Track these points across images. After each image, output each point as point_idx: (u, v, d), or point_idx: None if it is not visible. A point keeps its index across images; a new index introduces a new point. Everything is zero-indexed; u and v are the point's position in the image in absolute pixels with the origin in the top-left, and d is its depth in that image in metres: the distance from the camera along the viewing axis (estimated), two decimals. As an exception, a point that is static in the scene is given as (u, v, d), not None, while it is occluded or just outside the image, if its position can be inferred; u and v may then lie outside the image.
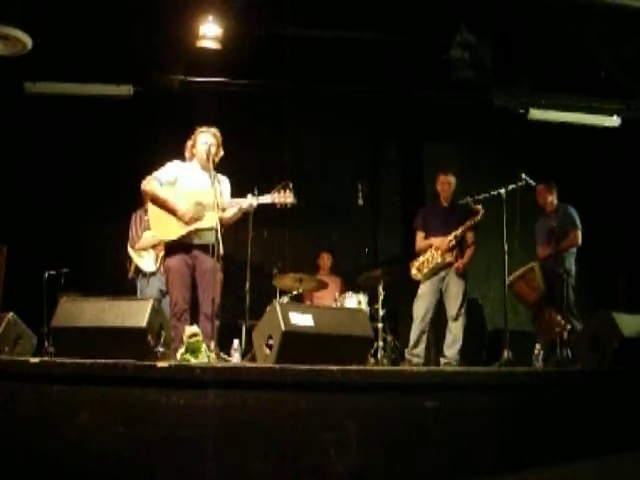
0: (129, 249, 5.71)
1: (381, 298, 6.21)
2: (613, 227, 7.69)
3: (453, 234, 5.82)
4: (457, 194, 6.04)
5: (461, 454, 3.26)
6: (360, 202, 6.94)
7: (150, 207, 4.67)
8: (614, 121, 7.48)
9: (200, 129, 4.76)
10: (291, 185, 4.58)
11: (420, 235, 6.08)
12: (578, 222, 6.00)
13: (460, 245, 5.90)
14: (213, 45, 6.56)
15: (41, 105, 6.90)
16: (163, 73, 7.05)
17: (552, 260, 5.87)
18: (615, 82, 7.23)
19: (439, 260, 5.83)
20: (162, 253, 5.50)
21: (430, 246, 5.91)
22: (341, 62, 7.09)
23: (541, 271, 5.82)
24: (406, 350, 5.90)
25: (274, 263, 6.71)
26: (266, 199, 4.55)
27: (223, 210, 4.51)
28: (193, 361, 3.62)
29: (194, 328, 3.79)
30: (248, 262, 4.89)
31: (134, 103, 6.95)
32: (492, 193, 5.25)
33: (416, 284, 5.99)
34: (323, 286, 6.61)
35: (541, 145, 7.65)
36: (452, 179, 6.06)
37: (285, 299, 6.32)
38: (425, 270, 5.88)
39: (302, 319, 3.59)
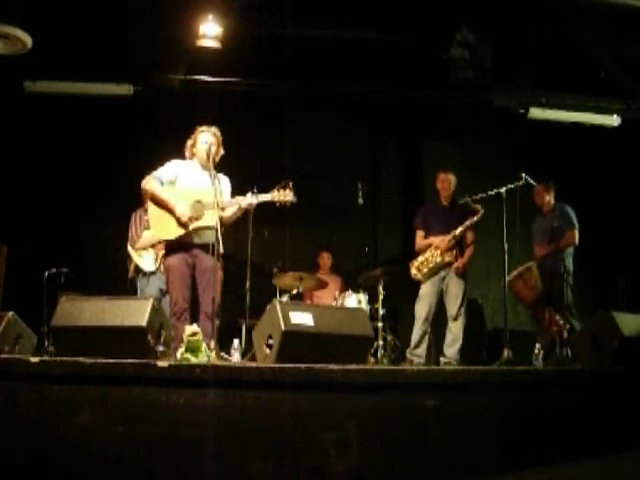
0: (129, 248, 5.71)
1: (381, 297, 6.21)
2: (613, 227, 7.69)
3: (452, 233, 5.82)
4: (457, 194, 6.04)
5: (461, 454, 3.26)
6: (360, 202, 6.94)
7: (150, 206, 4.67)
8: (614, 121, 7.48)
9: (200, 128, 4.76)
10: (291, 184, 4.58)
11: (420, 234, 6.08)
12: (575, 221, 6.00)
13: (460, 245, 5.90)
14: (213, 44, 6.56)
15: (41, 104, 6.89)
16: (163, 72, 7.04)
17: (551, 259, 5.87)
18: (615, 82, 7.23)
19: (438, 260, 5.83)
20: (162, 252, 5.50)
21: (430, 245, 5.92)
22: (341, 62, 7.08)
23: (539, 270, 5.81)
24: (408, 350, 5.90)
25: (274, 262, 6.71)
26: (266, 197, 4.55)
27: (223, 209, 4.51)
28: (193, 360, 3.62)
29: (194, 327, 3.79)
30: (248, 261, 4.88)
31: (134, 102, 6.95)
32: (492, 193, 5.25)
33: (416, 283, 5.99)
34: (323, 285, 6.61)
35: (541, 145, 7.64)
36: (452, 177, 6.06)
37: (285, 298, 6.31)
38: (425, 270, 5.88)
39: (302, 318, 3.59)
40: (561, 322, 5.46)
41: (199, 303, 4.50)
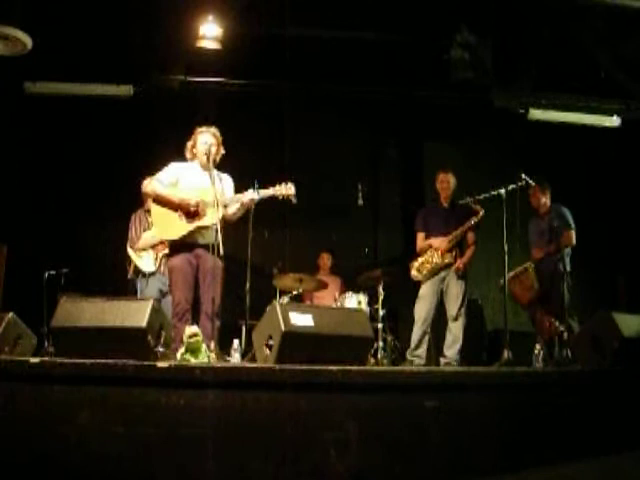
0: (128, 249, 5.70)
1: (381, 298, 6.20)
2: (613, 227, 7.69)
3: (452, 234, 5.83)
4: (457, 194, 6.04)
5: (461, 454, 3.26)
6: (360, 202, 6.95)
7: (153, 207, 4.68)
8: (614, 121, 7.48)
9: (199, 129, 4.77)
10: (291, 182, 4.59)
11: (421, 236, 6.07)
12: (572, 222, 5.98)
13: (460, 246, 5.90)
14: (213, 45, 6.56)
15: (41, 105, 6.90)
16: (163, 73, 7.05)
17: (548, 260, 5.86)
18: (615, 82, 7.23)
19: (438, 261, 5.83)
20: (161, 253, 5.51)
21: (430, 247, 5.92)
22: (341, 62, 7.09)
23: (535, 272, 5.81)
24: (408, 351, 5.90)
25: (274, 263, 6.71)
26: (267, 192, 4.56)
27: (225, 206, 4.53)
28: (193, 361, 3.62)
29: (194, 328, 3.79)
30: (248, 262, 4.88)
31: (134, 103, 6.96)
32: (492, 193, 5.24)
33: (416, 284, 5.99)
34: (323, 286, 6.61)
35: (541, 145, 7.64)
36: (451, 178, 6.05)
37: (285, 299, 6.31)
38: (425, 271, 5.88)
39: (302, 319, 3.59)
40: (556, 324, 5.46)
41: (200, 303, 4.51)
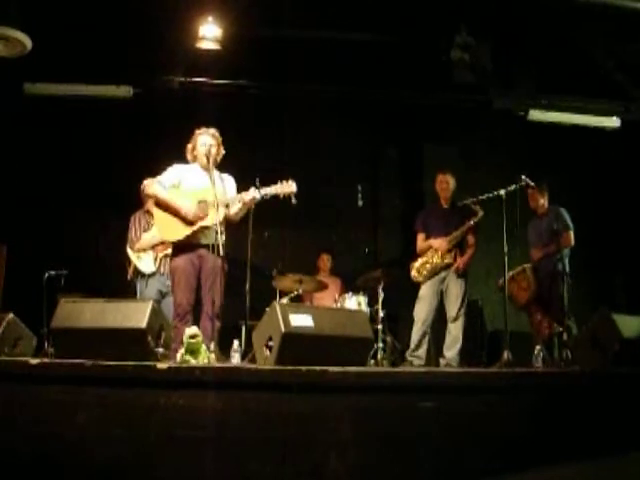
0: (128, 250, 5.70)
1: (381, 299, 6.20)
2: (612, 228, 7.69)
3: (452, 235, 5.83)
4: (457, 195, 6.04)
5: (461, 455, 3.25)
6: (360, 203, 6.94)
7: (155, 210, 4.70)
8: (614, 122, 7.49)
9: (198, 131, 4.78)
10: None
11: (421, 237, 6.08)
12: (570, 223, 5.99)
13: (460, 246, 5.91)
14: (213, 46, 6.56)
15: (41, 106, 6.90)
16: (163, 74, 7.05)
17: (547, 261, 5.86)
18: (615, 83, 7.24)
19: (438, 261, 5.84)
20: (161, 254, 5.52)
21: (430, 247, 5.92)
22: (341, 64, 7.09)
23: (533, 272, 5.81)
24: (407, 352, 5.90)
25: (274, 264, 6.71)
26: (269, 190, 4.56)
27: (227, 206, 4.54)
28: (193, 362, 3.62)
29: (194, 329, 3.79)
30: (248, 263, 4.88)
31: (134, 104, 6.96)
32: (492, 194, 5.25)
33: (416, 285, 5.99)
34: (323, 287, 6.61)
35: (541, 147, 7.64)
36: (450, 178, 6.06)
37: (285, 300, 6.31)
38: (425, 272, 5.89)
39: (302, 320, 3.59)
40: (554, 325, 5.47)
41: (202, 303, 4.51)
